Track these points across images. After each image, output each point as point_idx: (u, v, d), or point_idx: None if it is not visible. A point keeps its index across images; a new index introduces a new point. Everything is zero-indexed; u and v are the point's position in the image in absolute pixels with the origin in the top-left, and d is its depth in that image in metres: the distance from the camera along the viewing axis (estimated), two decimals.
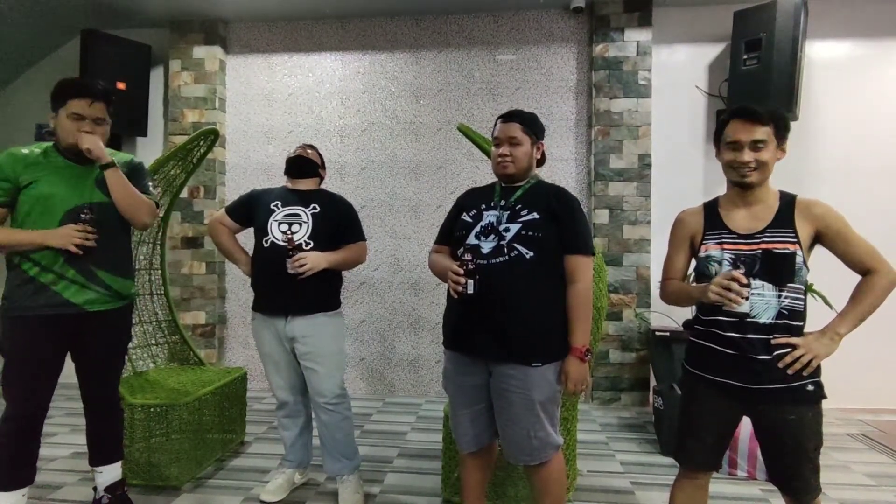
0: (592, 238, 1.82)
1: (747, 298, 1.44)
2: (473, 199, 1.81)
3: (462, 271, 1.59)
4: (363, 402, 3.81)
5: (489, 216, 1.71)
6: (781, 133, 1.50)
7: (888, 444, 3.05)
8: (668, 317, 3.47)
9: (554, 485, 1.72)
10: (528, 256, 1.63)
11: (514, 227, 1.66)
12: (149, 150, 4.18)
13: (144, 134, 4.12)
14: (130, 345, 2.80)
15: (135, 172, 2.03)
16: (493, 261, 1.63)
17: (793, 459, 1.49)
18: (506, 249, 1.64)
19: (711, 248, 1.56)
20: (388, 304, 4.06)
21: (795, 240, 1.46)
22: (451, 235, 1.81)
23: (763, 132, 1.48)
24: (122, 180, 1.91)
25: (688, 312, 3.37)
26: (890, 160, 3.65)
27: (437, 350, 3.99)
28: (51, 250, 1.82)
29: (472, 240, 1.69)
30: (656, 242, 3.75)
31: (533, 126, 1.76)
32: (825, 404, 1.51)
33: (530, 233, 1.64)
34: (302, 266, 2.08)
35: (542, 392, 1.63)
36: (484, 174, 3.89)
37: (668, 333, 3.16)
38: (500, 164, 1.74)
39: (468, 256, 1.60)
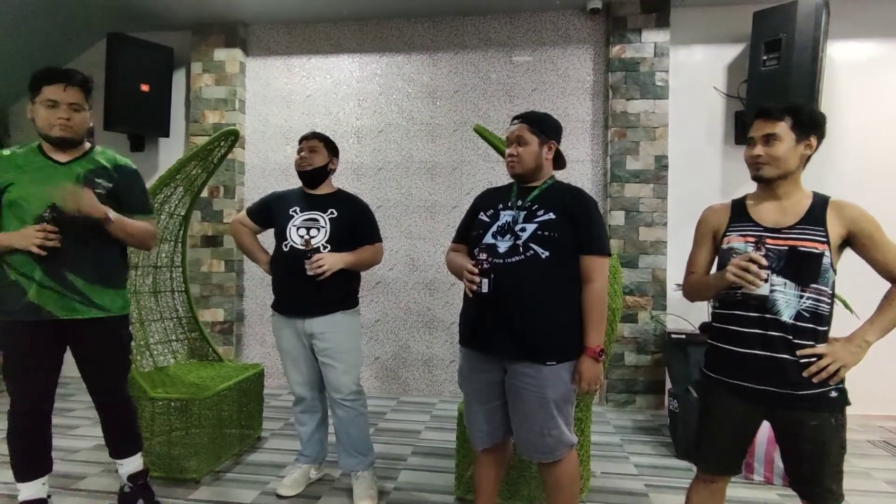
0: (609, 238, 1.82)
1: (766, 280, 1.41)
2: (491, 199, 1.83)
3: (477, 270, 1.61)
4: (377, 401, 3.84)
5: (506, 216, 1.73)
6: (802, 126, 1.47)
7: None
8: (685, 319, 3.44)
9: (567, 483, 1.72)
10: (543, 256, 1.64)
11: (531, 227, 1.67)
12: (170, 151, 4.28)
13: (166, 135, 4.21)
14: (152, 339, 2.87)
15: (126, 183, 1.98)
16: (509, 260, 1.65)
17: (814, 466, 1.45)
18: (521, 249, 1.65)
19: (734, 240, 1.53)
20: (403, 304, 4.09)
21: (825, 239, 1.42)
22: (469, 234, 1.83)
23: (776, 127, 1.47)
24: (122, 225, 1.89)
25: (704, 315, 3.34)
26: None
27: (451, 350, 4.01)
28: (22, 253, 1.79)
29: (488, 239, 1.71)
30: (672, 244, 3.73)
31: (541, 126, 1.77)
32: (847, 410, 1.48)
33: (546, 233, 1.65)
34: (320, 267, 2.12)
35: (557, 391, 1.64)
36: (499, 175, 3.91)
37: (683, 336, 3.13)
38: (508, 163, 1.78)
39: (483, 256, 1.62)
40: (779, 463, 2.52)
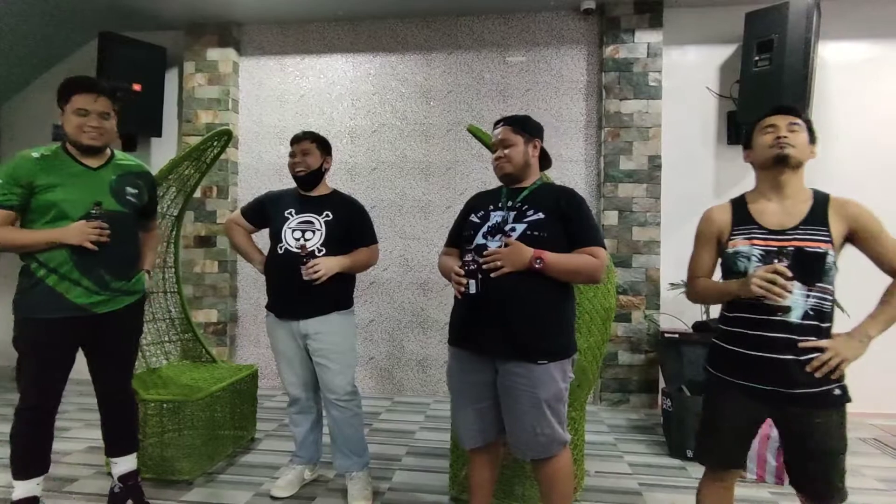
0: (602, 235, 1.83)
1: (791, 292, 1.41)
2: (481, 201, 1.86)
3: (463, 272, 1.62)
4: (372, 401, 3.83)
5: (496, 216, 1.74)
6: (812, 133, 1.56)
7: None
8: (678, 319, 3.46)
9: (561, 481, 1.73)
10: None
11: (520, 227, 1.68)
12: (163, 151, 4.26)
13: (159, 134, 4.18)
14: (144, 341, 2.85)
15: (149, 190, 2.12)
16: None
17: (818, 463, 1.46)
18: None
19: (740, 244, 1.53)
20: (398, 304, 4.09)
21: (829, 238, 1.44)
22: (461, 237, 1.84)
23: (798, 120, 1.53)
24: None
25: (698, 314, 3.36)
26: None
27: (445, 350, 3.99)
28: (59, 251, 1.83)
29: (479, 239, 1.72)
30: (666, 244, 3.74)
31: (523, 125, 1.81)
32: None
33: (536, 232, 1.66)
34: (316, 273, 2.12)
35: (548, 390, 1.65)
36: (493, 175, 3.87)
37: (677, 335, 3.15)
38: (498, 166, 1.81)
39: (469, 257, 1.64)
40: (771, 461, 2.54)
